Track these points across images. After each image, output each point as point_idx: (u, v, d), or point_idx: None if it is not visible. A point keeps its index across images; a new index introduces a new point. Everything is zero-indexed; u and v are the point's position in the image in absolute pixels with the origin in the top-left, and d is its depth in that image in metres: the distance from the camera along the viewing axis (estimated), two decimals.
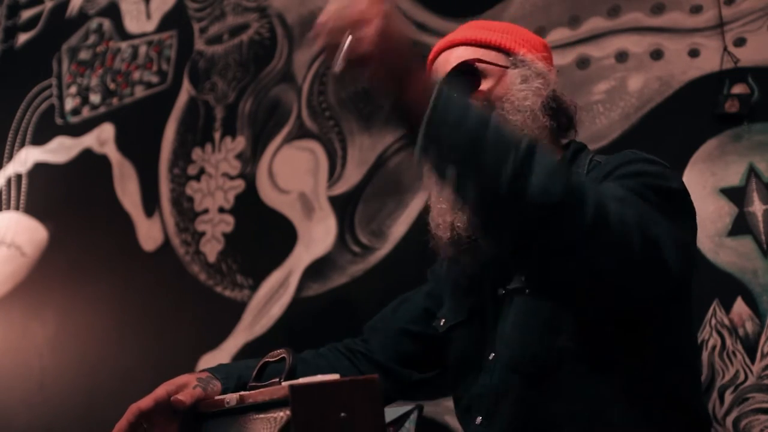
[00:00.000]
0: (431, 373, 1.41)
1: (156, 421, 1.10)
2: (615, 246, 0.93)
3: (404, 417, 1.32)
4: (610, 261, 0.93)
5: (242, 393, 1.02)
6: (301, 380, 0.89)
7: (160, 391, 1.12)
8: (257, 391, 0.99)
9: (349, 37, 0.93)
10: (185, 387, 1.13)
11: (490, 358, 1.20)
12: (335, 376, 0.90)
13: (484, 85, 1.28)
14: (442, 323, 1.35)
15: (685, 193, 1.16)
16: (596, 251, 0.93)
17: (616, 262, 0.94)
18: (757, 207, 1.68)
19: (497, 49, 1.31)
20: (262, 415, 0.96)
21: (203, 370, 1.21)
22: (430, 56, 1.39)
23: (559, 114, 1.29)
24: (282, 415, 0.89)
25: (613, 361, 1.10)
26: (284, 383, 0.91)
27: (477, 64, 1.28)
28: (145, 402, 1.10)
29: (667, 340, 1.13)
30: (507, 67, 1.29)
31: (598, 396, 1.09)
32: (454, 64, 1.29)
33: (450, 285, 1.39)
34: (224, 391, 1.15)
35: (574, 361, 1.10)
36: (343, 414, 0.87)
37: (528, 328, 1.15)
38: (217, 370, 1.21)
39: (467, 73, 1.28)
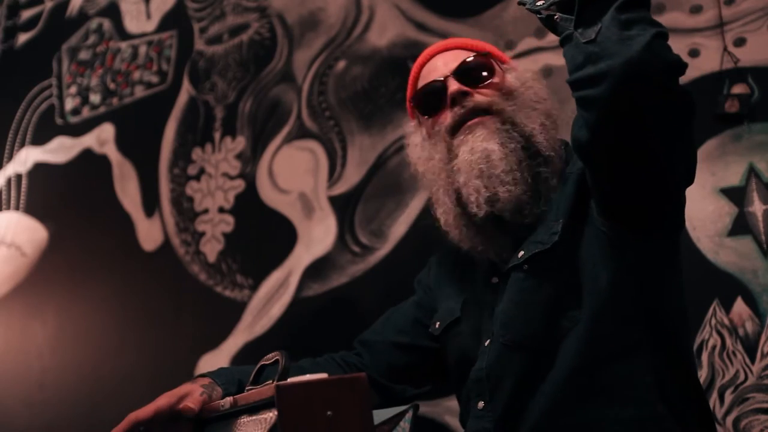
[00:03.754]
0: (425, 387, 1.41)
1: (154, 431, 1.10)
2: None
3: (399, 416, 1.31)
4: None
5: (235, 396, 1.02)
6: (289, 380, 0.89)
7: (161, 401, 1.12)
8: (248, 393, 0.99)
9: None
10: (188, 396, 1.13)
11: (486, 344, 1.20)
12: (323, 375, 0.90)
13: (492, 79, 1.30)
14: (437, 326, 1.35)
15: None
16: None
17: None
18: (757, 207, 1.68)
19: (490, 55, 1.34)
20: (253, 417, 0.96)
21: (203, 375, 1.21)
22: (415, 70, 1.40)
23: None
24: (271, 415, 0.89)
25: (613, 335, 1.11)
26: (272, 383, 0.91)
27: (484, 58, 1.31)
28: (144, 412, 1.10)
29: (663, 308, 1.14)
30: (501, 69, 1.33)
31: (599, 372, 1.09)
32: (464, 59, 1.30)
33: (440, 289, 1.39)
34: (224, 397, 1.16)
35: (574, 336, 1.10)
36: (329, 412, 0.87)
37: (528, 305, 1.15)
38: (217, 375, 1.21)
39: (481, 65, 1.30)
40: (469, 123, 1.27)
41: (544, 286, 1.15)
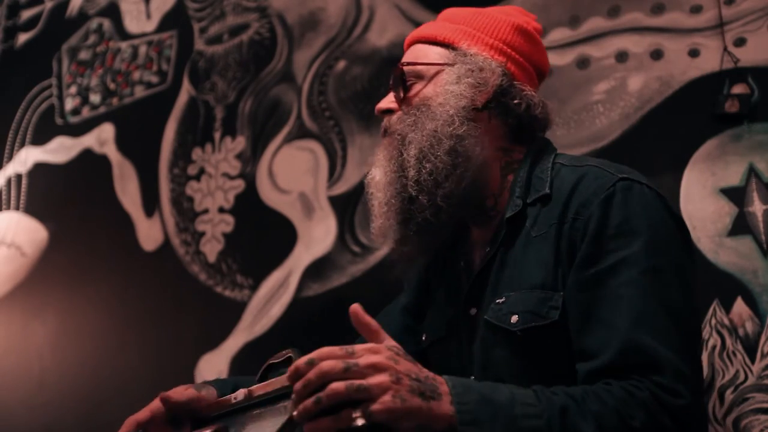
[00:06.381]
0: None
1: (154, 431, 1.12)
2: None
3: None
4: None
5: (250, 388, 1.02)
6: None
7: (157, 402, 1.14)
8: (265, 383, 1.00)
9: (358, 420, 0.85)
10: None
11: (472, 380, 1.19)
12: None
13: (416, 89, 1.25)
14: (423, 338, 1.34)
15: (681, 225, 1.15)
16: None
17: None
18: (757, 207, 1.68)
19: (441, 44, 1.27)
20: (270, 408, 0.97)
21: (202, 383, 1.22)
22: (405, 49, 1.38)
23: (507, 113, 1.23)
24: (291, 403, 0.90)
25: None
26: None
27: (406, 67, 1.26)
28: (142, 414, 1.13)
29: None
30: (447, 64, 1.24)
31: None
32: (400, 65, 1.27)
33: (429, 291, 1.38)
34: (219, 396, 1.16)
35: None
36: None
37: (523, 372, 1.12)
38: (213, 381, 1.22)
39: (400, 78, 1.26)
40: (382, 141, 1.28)
41: (540, 354, 1.11)
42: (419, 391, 0.88)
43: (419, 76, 1.26)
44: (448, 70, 1.23)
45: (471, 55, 1.23)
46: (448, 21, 1.31)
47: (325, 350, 0.89)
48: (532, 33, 1.30)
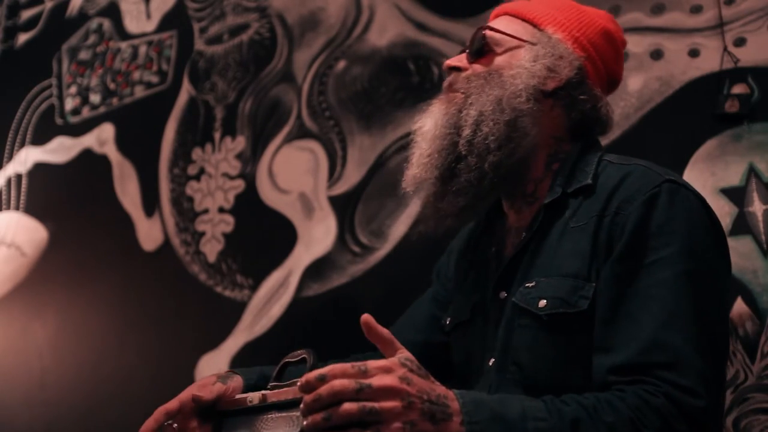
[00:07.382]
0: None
1: (182, 423, 1.14)
2: None
3: None
4: None
5: (264, 392, 1.04)
6: None
7: (186, 393, 1.15)
8: (279, 390, 1.01)
9: None
10: (203, 387, 1.16)
11: (490, 363, 1.19)
12: None
13: (491, 56, 1.25)
14: (448, 322, 1.35)
15: (721, 240, 1.14)
16: None
17: None
18: (757, 207, 1.68)
19: (528, 22, 1.27)
20: (284, 414, 0.98)
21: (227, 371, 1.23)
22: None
23: (572, 107, 1.23)
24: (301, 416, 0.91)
25: None
26: None
27: (488, 33, 1.26)
28: (172, 404, 1.13)
29: None
30: (529, 42, 1.25)
31: None
32: (482, 30, 1.27)
33: (457, 279, 1.39)
34: (246, 387, 1.18)
35: (587, 381, 1.08)
36: None
37: (544, 357, 1.12)
38: (239, 370, 1.23)
39: (480, 41, 1.27)
40: (442, 96, 1.28)
41: (563, 342, 1.11)
42: (430, 414, 0.88)
43: (498, 45, 1.26)
44: (528, 48, 1.24)
45: (554, 40, 1.24)
46: (542, 4, 1.31)
47: (338, 367, 0.87)
48: (617, 43, 1.31)
